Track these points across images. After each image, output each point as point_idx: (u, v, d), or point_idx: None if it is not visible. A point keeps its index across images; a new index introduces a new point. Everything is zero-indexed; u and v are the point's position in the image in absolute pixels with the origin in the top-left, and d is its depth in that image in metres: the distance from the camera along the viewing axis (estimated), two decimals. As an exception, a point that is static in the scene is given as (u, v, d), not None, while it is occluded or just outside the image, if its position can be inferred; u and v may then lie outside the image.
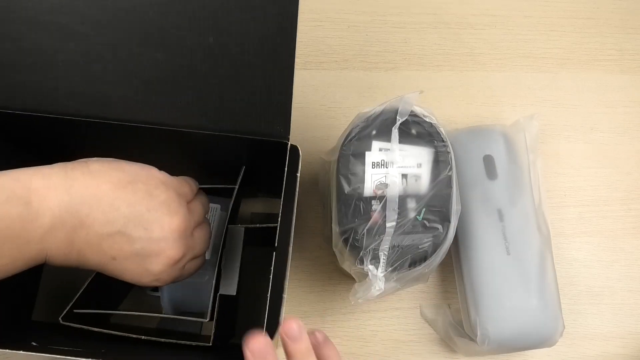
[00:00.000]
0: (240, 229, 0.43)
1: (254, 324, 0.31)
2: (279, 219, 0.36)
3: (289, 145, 0.38)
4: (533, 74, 0.57)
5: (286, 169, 0.37)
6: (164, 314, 0.44)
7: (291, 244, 0.36)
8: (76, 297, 0.40)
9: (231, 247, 0.43)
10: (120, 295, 0.47)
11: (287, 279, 0.34)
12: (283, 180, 0.37)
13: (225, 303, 0.41)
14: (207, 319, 0.38)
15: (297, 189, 0.37)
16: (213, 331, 0.39)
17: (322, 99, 0.55)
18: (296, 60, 0.56)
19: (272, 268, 0.34)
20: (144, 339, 0.38)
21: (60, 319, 0.39)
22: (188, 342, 0.39)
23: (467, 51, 0.58)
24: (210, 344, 0.39)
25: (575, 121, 0.56)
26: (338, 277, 0.50)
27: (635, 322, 0.50)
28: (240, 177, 0.43)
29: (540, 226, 0.46)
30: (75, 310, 0.39)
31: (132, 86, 0.35)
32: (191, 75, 0.35)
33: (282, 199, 0.36)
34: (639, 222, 0.53)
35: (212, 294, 0.39)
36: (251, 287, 0.45)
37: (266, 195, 0.52)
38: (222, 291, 0.41)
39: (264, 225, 0.42)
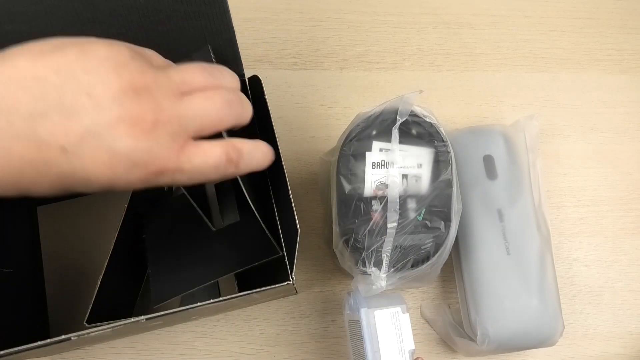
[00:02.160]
0: None
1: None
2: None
3: (246, 79, 0.37)
4: (533, 74, 0.57)
5: (250, 94, 0.37)
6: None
7: (283, 162, 0.35)
8: (94, 297, 0.39)
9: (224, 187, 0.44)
10: (130, 297, 0.47)
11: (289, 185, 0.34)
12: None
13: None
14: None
15: (270, 113, 0.37)
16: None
17: (322, 99, 0.55)
18: (296, 60, 0.56)
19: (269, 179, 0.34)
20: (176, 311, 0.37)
21: (85, 322, 0.38)
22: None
23: (467, 51, 0.58)
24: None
25: (575, 121, 0.56)
26: (338, 277, 0.50)
27: (635, 322, 0.50)
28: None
29: (540, 226, 0.46)
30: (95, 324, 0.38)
31: None
32: (133, 42, 0.34)
33: (256, 126, 0.36)
34: (639, 222, 0.53)
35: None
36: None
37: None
38: (226, 222, 0.41)
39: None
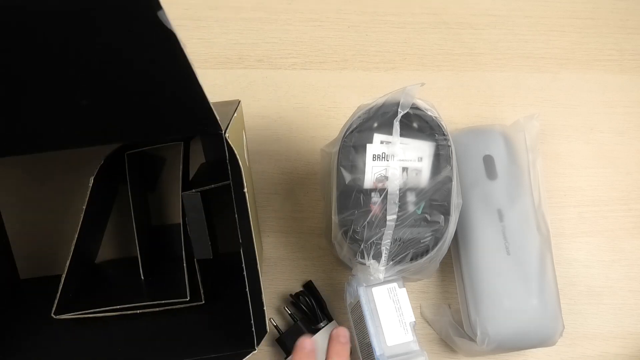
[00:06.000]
0: (196, 194, 0.44)
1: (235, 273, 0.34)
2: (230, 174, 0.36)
3: (225, 137, 0.35)
4: (533, 74, 0.57)
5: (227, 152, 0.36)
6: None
7: (247, 198, 0.35)
8: (60, 288, 0.40)
9: (192, 212, 0.43)
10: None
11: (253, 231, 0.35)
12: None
13: (206, 266, 0.43)
14: (188, 298, 0.41)
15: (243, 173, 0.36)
16: (202, 290, 0.43)
17: (322, 99, 0.55)
18: (296, 60, 0.56)
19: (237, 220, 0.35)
20: (139, 313, 0.39)
21: (52, 314, 0.39)
22: (182, 306, 0.41)
23: (467, 51, 0.58)
24: (203, 302, 0.42)
25: (575, 121, 0.56)
26: (338, 277, 0.50)
27: (635, 322, 0.50)
28: (182, 149, 0.46)
29: (540, 226, 0.46)
30: (67, 315, 0.40)
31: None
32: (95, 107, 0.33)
33: (228, 164, 0.36)
34: (639, 222, 0.53)
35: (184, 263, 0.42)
36: (228, 250, 0.47)
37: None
38: (198, 256, 0.43)
39: (219, 184, 0.43)
